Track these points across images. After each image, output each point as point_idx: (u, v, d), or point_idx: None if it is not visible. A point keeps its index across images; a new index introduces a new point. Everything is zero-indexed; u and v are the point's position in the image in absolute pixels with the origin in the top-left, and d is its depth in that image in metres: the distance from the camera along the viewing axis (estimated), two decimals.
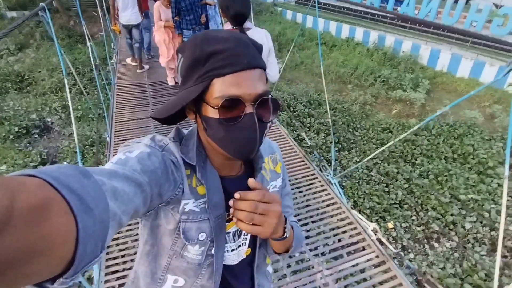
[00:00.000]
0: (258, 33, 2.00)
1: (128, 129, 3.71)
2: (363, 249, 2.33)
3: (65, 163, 4.40)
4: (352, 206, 4.30)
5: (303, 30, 11.12)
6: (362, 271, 2.15)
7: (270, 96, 0.61)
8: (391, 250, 2.52)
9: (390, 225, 4.24)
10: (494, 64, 7.73)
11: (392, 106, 7.40)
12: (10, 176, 0.30)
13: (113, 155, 3.45)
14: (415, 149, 5.78)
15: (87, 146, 5.07)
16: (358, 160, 5.30)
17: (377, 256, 2.21)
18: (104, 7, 6.69)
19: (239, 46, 0.60)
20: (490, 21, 8.61)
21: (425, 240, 4.19)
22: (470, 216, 4.43)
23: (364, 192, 4.57)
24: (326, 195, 2.93)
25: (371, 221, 4.16)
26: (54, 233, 0.30)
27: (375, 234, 2.36)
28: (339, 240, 2.46)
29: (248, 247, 0.80)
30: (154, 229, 0.70)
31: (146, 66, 5.45)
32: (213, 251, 0.72)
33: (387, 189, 4.75)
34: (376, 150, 5.60)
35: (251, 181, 0.62)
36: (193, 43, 0.61)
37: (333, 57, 9.32)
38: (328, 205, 2.83)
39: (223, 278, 0.77)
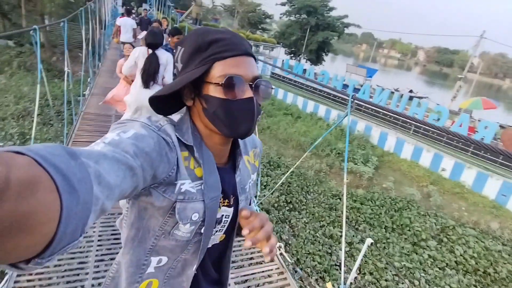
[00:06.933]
0: (162, 54, 2.90)
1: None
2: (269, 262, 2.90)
3: None
4: (295, 264, 4.50)
5: (273, 100, 12.32)
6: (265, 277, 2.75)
7: (264, 79, 0.71)
8: (289, 262, 3.02)
9: (329, 285, 4.43)
10: (430, 151, 8.94)
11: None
12: (1, 151, 0.31)
13: None
14: (359, 216, 6.28)
15: None
16: (306, 221, 5.65)
17: (277, 268, 2.79)
18: (85, 49, 7.19)
19: (236, 37, 0.69)
20: (428, 115, 10.21)
21: None
22: (402, 283, 4.76)
23: (308, 251, 4.83)
24: None
25: (311, 279, 4.37)
26: (40, 210, 0.29)
27: (279, 250, 2.91)
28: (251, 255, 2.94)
29: (223, 233, 0.83)
30: (141, 211, 0.71)
31: None
32: (202, 230, 0.73)
33: (329, 251, 5.05)
34: (324, 213, 6.03)
35: (244, 213, 0.68)
36: (194, 34, 0.69)
37: (297, 127, 10.28)
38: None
39: None
